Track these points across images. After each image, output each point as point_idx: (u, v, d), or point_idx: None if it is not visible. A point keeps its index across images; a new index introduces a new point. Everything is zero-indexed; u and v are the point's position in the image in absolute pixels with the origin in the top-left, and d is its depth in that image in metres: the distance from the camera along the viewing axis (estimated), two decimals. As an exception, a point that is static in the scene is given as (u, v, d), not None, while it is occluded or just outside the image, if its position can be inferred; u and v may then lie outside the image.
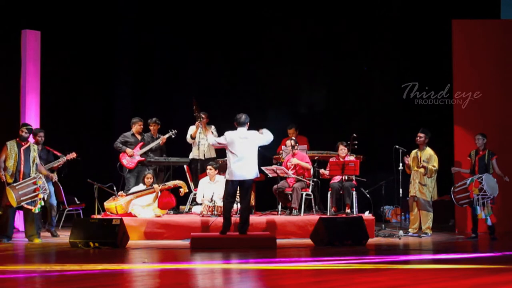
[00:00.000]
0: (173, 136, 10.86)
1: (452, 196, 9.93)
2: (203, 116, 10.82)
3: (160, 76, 13.40)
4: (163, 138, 10.71)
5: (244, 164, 8.63)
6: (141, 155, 10.57)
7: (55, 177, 9.75)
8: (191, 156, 11.01)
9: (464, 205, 9.97)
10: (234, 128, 8.85)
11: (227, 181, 8.77)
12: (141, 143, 10.62)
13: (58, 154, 10.06)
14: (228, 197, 8.75)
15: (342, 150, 10.36)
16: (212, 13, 13.09)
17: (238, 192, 8.94)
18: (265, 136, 8.91)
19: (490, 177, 9.72)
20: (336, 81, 13.29)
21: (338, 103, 13.29)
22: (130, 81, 13.51)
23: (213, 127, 10.92)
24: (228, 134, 8.84)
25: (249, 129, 8.86)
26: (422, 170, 9.99)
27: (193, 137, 10.92)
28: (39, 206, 9.19)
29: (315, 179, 10.49)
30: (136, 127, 10.69)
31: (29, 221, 9.30)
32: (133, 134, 10.72)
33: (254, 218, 9.74)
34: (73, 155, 10.06)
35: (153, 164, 10.84)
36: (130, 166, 10.55)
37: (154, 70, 13.41)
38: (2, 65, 11.47)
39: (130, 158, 10.53)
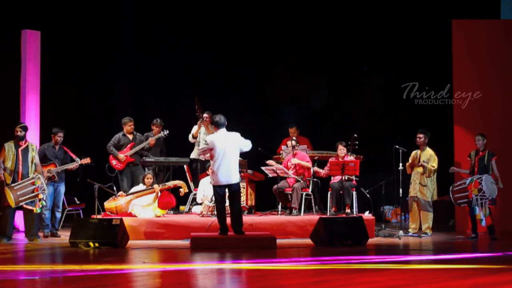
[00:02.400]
0: (164, 137, 10.81)
1: (451, 195, 9.93)
2: (206, 115, 10.83)
3: (161, 76, 13.40)
4: (152, 140, 10.68)
5: (227, 167, 8.51)
6: (131, 156, 10.56)
7: (45, 186, 9.55)
8: (192, 156, 11.00)
9: (462, 204, 9.96)
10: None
11: (213, 187, 8.71)
12: (132, 144, 10.61)
13: (74, 156, 10.05)
14: (219, 201, 8.68)
15: (341, 150, 10.36)
16: (213, 13, 13.08)
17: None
18: (246, 142, 8.74)
19: (489, 178, 9.71)
20: (336, 81, 13.29)
21: (338, 103, 13.29)
22: (130, 81, 13.51)
23: None
24: (209, 138, 8.80)
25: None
26: (420, 169, 9.99)
27: (194, 137, 10.91)
28: (40, 206, 9.19)
29: (315, 179, 10.50)
30: (127, 127, 10.68)
31: (29, 221, 9.30)
32: (124, 135, 10.72)
33: (254, 218, 9.75)
34: (87, 160, 10.05)
35: (153, 164, 10.84)
36: (119, 167, 10.55)
37: (154, 70, 13.40)
38: (2, 65, 11.47)
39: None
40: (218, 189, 8.65)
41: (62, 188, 9.99)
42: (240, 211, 8.84)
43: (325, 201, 10.57)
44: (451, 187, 9.98)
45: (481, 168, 9.91)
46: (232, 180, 8.59)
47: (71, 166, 9.94)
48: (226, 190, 8.72)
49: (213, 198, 9.76)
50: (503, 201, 10.68)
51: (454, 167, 10.46)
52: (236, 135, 8.70)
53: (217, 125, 8.70)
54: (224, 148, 8.55)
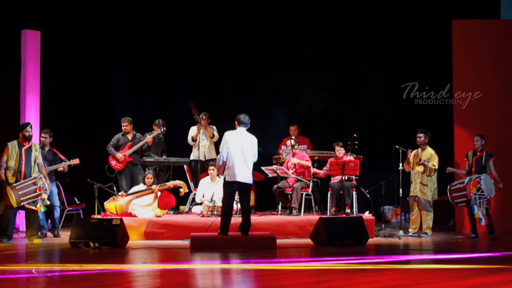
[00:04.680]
0: (162, 133, 10.77)
1: (448, 195, 9.92)
2: (203, 116, 10.83)
3: (161, 76, 13.39)
4: (149, 138, 10.66)
5: (245, 166, 8.51)
6: (130, 155, 10.55)
7: (47, 187, 9.49)
8: (191, 157, 11.01)
9: (459, 204, 9.94)
10: (234, 127, 8.80)
11: (227, 182, 8.58)
12: (130, 143, 10.61)
13: (63, 158, 10.05)
14: (229, 200, 8.62)
15: (339, 150, 10.37)
16: (213, 13, 13.08)
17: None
18: (256, 152, 8.72)
19: (488, 177, 9.72)
20: (336, 81, 13.30)
21: (338, 103, 13.30)
22: (130, 81, 13.51)
23: (214, 128, 10.93)
24: (229, 135, 8.64)
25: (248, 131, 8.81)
26: (421, 168, 9.99)
27: (194, 140, 10.90)
28: (44, 206, 9.19)
29: (315, 179, 10.50)
30: (122, 127, 10.68)
31: (30, 221, 9.30)
32: (123, 135, 10.72)
33: (254, 218, 9.73)
34: (76, 161, 10.05)
35: (153, 164, 10.84)
36: (118, 167, 10.55)
37: (154, 70, 13.40)
38: (2, 65, 11.47)
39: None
40: (230, 186, 8.57)
41: (54, 189, 9.93)
42: (249, 211, 8.81)
43: (325, 201, 10.57)
44: (448, 187, 9.97)
45: (479, 168, 9.91)
46: (248, 180, 8.59)
47: (60, 167, 9.93)
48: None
49: (213, 198, 9.79)
50: (503, 201, 10.68)
51: (451, 167, 10.43)
52: (255, 139, 8.71)
53: (239, 122, 8.67)
54: (242, 145, 8.53)
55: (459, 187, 9.78)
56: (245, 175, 8.54)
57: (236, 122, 8.74)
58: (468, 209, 9.92)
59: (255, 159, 8.76)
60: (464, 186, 9.68)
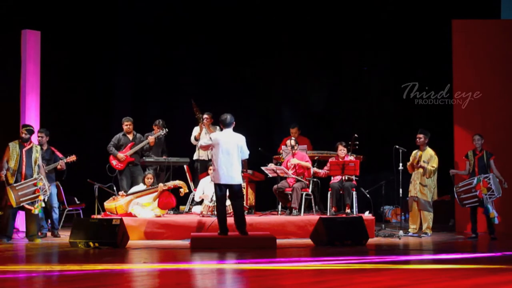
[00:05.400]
0: (164, 134, 10.78)
1: (456, 196, 9.88)
2: (206, 116, 10.84)
3: (161, 76, 13.39)
4: (151, 138, 10.66)
5: (230, 166, 8.49)
6: (131, 156, 10.55)
7: (47, 187, 9.56)
8: (195, 157, 11.01)
9: (468, 205, 9.86)
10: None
11: (215, 185, 8.64)
12: (131, 143, 10.61)
13: (61, 155, 10.06)
14: (220, 201, 8.63)
15: (342, 150, 10.38)
16: (213, 13, 13.08)
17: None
18: (246, 150, 8.74)
19: (495, 176, 9.71)
20: (336, 82, 13.30)
21: (338, 103, 13.30)
22: (130, 81, 13.51)
23: (217, 127, 10.93)
24: (213, 135, 8.77)
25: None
26: (421, 170, 9.99)
27: (197, 139, 10.90)
28: (39, 207, 9.16)
29: (315, 179, 10.50)
30: (124, 127, 10.69)
31: (30, 221, 9.29)
32: (124, 134, 10.72)
33: (254, 218, 9.75)
34: (72, 158, 10.05)
35: (153, 164, 10.84)
36: (119, 167, 10.54)
37: (154, 70, 13.40)
38: (2, 65, 11.47)
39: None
40: (219, 188, 8.62)
41: (53, 189, 9.91)
42: (243, 212, 8.81)
43: (325, 201, 10.57)
44: (455, 188, 9.93)
45: (481, 167, 9.90)
46: (234, 181, 8.58)
47: (58, 165, 9.92)
48: (227, 190, 8.71)
49: (213, 198, 9.79)
50: (504, 201, 10.66)
51: (453, 169, 10.42)
52: (241, 138, 8.69)
53: (223, 124, 8.68)
54: (228, 147, 8.53)
55: (468, 188, 9.72)
56: (232, 176, 8.54)
57: (221, 125, 8.76)
58: (471, 209, 9.91)
59: (246, 155, 8.77)
60: (474, 187, 9.63)
